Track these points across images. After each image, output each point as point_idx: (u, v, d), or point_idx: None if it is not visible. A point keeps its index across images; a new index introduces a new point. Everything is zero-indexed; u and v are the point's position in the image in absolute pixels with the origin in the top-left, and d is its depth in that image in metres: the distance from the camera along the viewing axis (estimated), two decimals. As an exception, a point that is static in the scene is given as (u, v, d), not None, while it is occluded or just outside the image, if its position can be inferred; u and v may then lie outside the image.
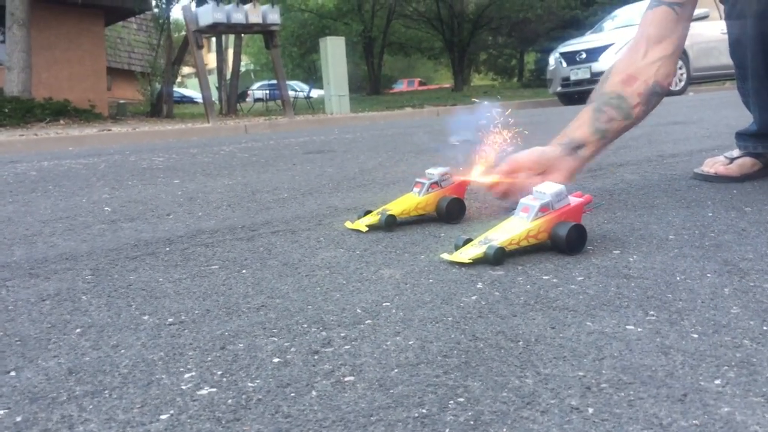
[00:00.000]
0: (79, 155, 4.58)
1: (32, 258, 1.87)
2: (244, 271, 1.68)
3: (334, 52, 13.95)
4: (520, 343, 1.17)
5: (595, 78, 11.20)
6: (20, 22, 11.50)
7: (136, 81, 19.33)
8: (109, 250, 1.93)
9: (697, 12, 9.69)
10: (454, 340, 1.19)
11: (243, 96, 17.77)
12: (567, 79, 11.74)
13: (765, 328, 1.18)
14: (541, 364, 1.08)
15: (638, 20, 8.86)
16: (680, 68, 11.10)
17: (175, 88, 20.55)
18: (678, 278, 1.46)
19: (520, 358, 1.11)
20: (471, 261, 1.59)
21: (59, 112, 11.98)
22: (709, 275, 1.47)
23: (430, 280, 1.53)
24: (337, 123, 11.17)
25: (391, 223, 2.02)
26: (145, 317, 1.37)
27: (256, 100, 18.26)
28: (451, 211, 2.07)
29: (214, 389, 1.04)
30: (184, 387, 1.06)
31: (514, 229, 1.66)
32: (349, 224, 2.08)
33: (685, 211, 2.06)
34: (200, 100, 18.64)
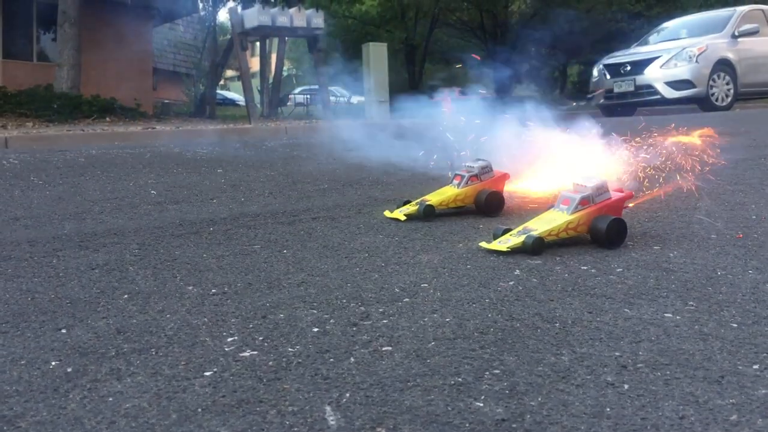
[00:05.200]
0: (126, 147, 4.70)
1: (82, 232, 1.93)
2: (285, 251, 1.71)
3: (376, 58, 14.02)
4: (557, 324, 1.17)
5: (639, 91, 11.07)
6: (72, 21, 11.81)
7: (180, 82, 19.69)
8: (155, 227, 1.98)
9: (747, 27, 9.45)
10: (491, 320, 1.20)
11: (284, 100, 17.98)
12: (610, 91, 11.61)
13: (807, 321, 1.17)
14: (577, 344, 1.09)
15: (685, 34, 8.62)
16: (727, 84, 10.88)
17: (218, 91, 20.84)
18: (719, 273, 1.45)
19: (557, 337, 1.12)
20: (509, 249, 1.60)
21: (106, 109, 12.24)
22: (750, 271, 1.46)
23: (468, 266, 1.54)
24: (378, 127, 11.21)
25: (429, 213, 2.04)
26: (190, 287, 1.42)
27: (297, 104, 18.44)
28: (490, 204, 2.08)
29: (255, 352, 1.08)
30: (227, 349, 1.09)
31: (554, 220, 1.67)
32: (388, 213, 2.10)
33: (728, 213, 2.03)
34: (242, 103, 18.89)
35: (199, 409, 0.89)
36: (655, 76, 10.94)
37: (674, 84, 10.77)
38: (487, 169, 2.12)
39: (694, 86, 10.65)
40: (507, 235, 1.66)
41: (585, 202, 1.67)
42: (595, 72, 12.31)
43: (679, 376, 0.97)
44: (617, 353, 1.05)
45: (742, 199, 2.25)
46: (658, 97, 11.04)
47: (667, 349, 1.06)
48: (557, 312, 1.23)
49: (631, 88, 11.31)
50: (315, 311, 1.26)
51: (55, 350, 1.10)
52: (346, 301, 1.31)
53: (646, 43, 12.57)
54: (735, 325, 1.16)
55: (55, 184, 2.78)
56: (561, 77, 29.07)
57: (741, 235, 1.77)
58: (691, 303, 1.27)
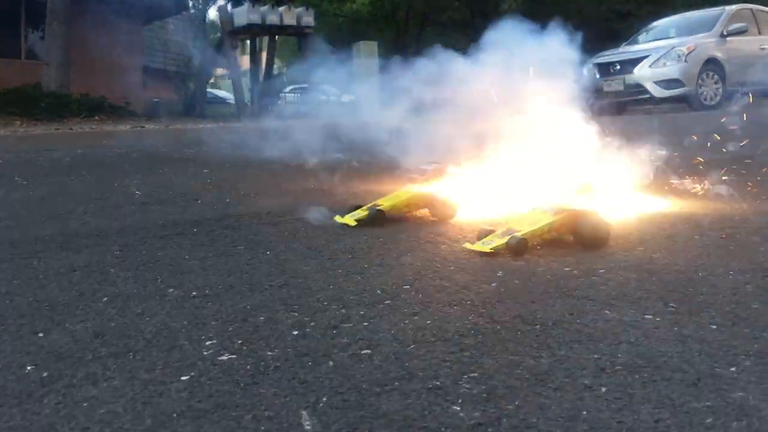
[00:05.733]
0: (113, 146, 4.68)
1: (64, 233, 1.92)
2: (268, 252, 1.70)
3: (366, 56, 14.01)
4: (537, 326, 1.17)
5: (628, 90, 11.11)
6: (60, 19, 11.77)
7: (171, 81, 19.59)
8: (138, 228, 1.97)
9: (736, 26, 9.48)
10: (472, 322, 1.20)
11: (275, 99, 17.93)
12: (600, 90, 11.63)
13: (786, 322, 1.18)
14: (557, 346, 1.08)
15: (674, 33, 8.64)
16: (716, 83, 10.91)
17: (208, 89, 20.77)
18: (701, 274, 1.45)
19: (537, 340, 1.11)
20: (492, 251, 1.60)
21: (95, 108, 12.17)
22: (732, 273, 1.46)
23: (451, 268, 1.54)
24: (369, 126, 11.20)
25: (378, 219, 1.98)
26: (170, 290, 1.41)
27: (288, 103, 18.40)
28: (446, 209, 2.04)
29: (234, 356, 1.07)
30: (205, 353, 1.08)
31: (538, 221, 1.67)
32: (338, 218, 2.03)
33: (713, 214, 2.04)
34: (233, 101, 18.84)
35: (174, 414, 0.88)
36: (644, 75, 10.96)
37: (663, 83, 10.80)
38: (441, 172, 2.08)
39: (683, 85, 10.67)
40: (491, 236, 1.65)
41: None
42: (584, 71, 12.32)
43: (656, 378, 0.97)
44: (596, 356, 1.05)
45: (728, 200, 2.26)
46: (647, 96, 11.06)
47: (645, 352, 1.06)
48: (538, 314, 1.23)
49: (621, 88, 11.33)
50: (296, 314, 1.25)
51: (31, 354, 1.09)
52: (327, 303, 1.31)
53: (635, 42, 12.61)
54: (714, 327, 1.16)
55: (40, 184, 2.77)
56: (552, 76, 29.05)
57: (725, 236, 1.77)
58: (672, 305, 1.27)
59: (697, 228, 1.87)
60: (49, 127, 9.82)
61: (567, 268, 1.51)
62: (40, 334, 1.17)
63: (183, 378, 0.99)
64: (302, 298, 1.34)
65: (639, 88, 10.99)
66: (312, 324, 1.20)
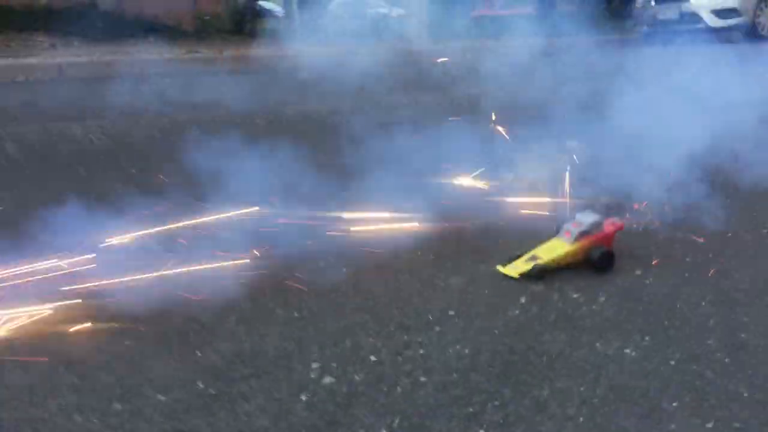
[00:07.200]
0: (177, 83, 4.60)
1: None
2: (344, 268, 2.18)
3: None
4: (544, 358, 1.64)
5: (684, 18, 10.94)
6: (113, -63, 11.93)
7: (219, -7, 19.54)
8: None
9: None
10: (498, 352, 1.67)
11: (320, 12, 17.82)
12: (654, 17, 11.48)
13: (727, 360, 1.62)
14: (556, 379, 1.55)
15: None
16: (775, 9, 10.66)
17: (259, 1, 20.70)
18: (678, 305, 1.89)
19: (542, 373, 1.58)
20: (518, 276, 2.05)
21: (149, 29, 12.48)
22: (703, 304, 1.89)
23: (486, 292, 2.00)
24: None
25: None
26: (279, 311, 1.91)
27: (336, 17, 18.29)
28: None
29: (333, 379, 1.57)
30: (312, 375, 1.58)
31: (557, 250, 2.10)
32: None
33: (710, 230, 2.42)
34: (281, 14, 18.78)
35: (303, 430, 1.39)
36: (701, 3, 10.79)
37: (720, 12, 10.64)
38: None
39: (740, 15, 10.51)
40: (518, 261, 2.09)
41: (583, 234, 2.10)
42: (640, -4, 12.08)
43: (619, 410, 1.44)
44: (582, 388, 1.52)
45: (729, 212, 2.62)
46: (702, 26, 10.92)
47: (617, 385, 1.53)
48: (546, 346, 1.69)
49: (676, 16, 11.17)
50: (372, 339, 1.73)
51: (198, 372, 1.60)
52: (393, 329, 1.79)
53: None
54: (673, 363, 1.61)
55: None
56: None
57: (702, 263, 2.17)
58: (648, 338, 1.72)
59: (690, 247, 2.27)
60: (106, 51, 10.06)
61: (575, 295, 1.96)
62: (198, 353, 1.69)
63: (302, 398, 1.50)
64: (374, 323, 1.82)
65: (694, 17, 10.84)
66: (384, 350, 1.68)
